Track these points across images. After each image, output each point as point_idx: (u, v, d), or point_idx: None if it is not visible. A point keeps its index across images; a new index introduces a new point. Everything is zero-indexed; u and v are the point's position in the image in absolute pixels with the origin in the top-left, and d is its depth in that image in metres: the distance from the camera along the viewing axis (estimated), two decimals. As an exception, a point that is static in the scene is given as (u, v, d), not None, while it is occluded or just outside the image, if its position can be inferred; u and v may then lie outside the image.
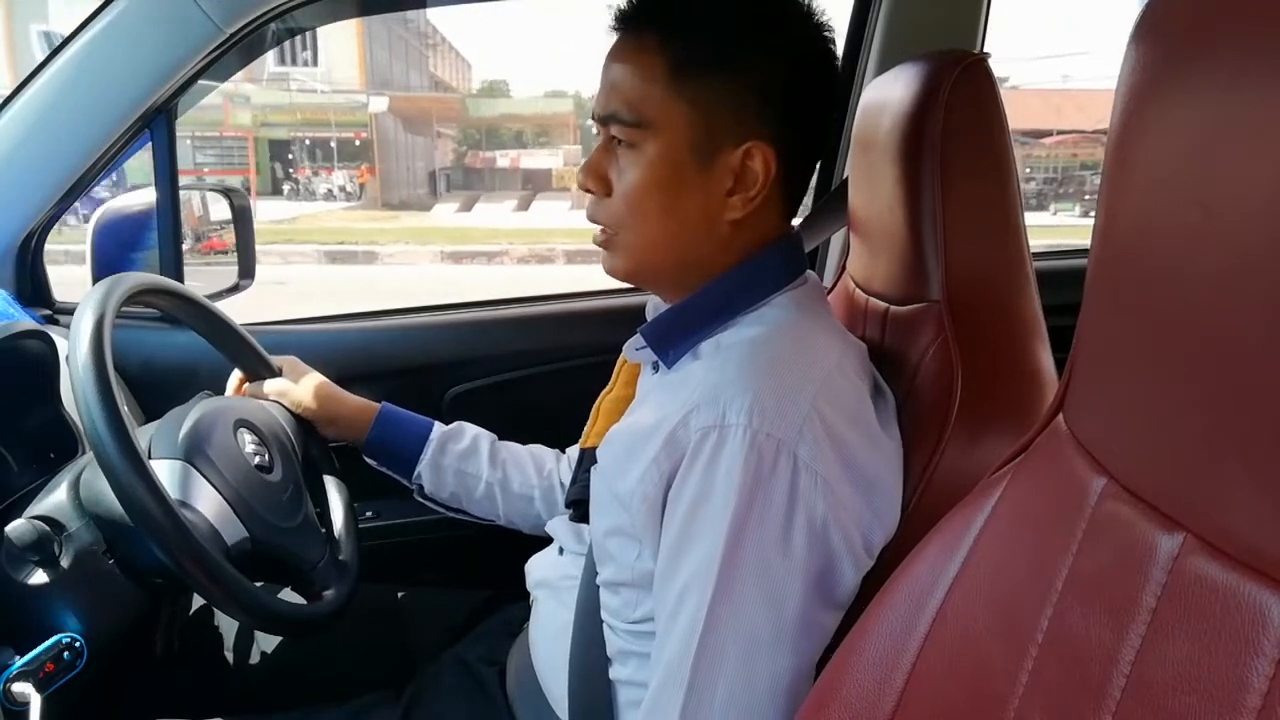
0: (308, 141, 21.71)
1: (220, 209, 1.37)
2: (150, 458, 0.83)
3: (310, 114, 21.78)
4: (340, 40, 22.13)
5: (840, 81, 0.78)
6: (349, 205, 18.90)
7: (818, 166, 1.49)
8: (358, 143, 21.85)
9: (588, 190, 0.79)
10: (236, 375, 1.09)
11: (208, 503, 0.84)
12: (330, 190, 20.65)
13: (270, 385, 1.06)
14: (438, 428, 1.08)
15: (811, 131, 0.77)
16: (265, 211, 14.49)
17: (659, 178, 0.74)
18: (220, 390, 1.08)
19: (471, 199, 20.90)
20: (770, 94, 0.73)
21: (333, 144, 21.61)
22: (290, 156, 21.12)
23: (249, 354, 1.05)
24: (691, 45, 0.72)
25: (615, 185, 0.77)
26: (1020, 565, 0.48)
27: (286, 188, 20.66)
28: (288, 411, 1.05)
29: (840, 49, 1.43)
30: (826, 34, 0.76)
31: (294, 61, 22.20)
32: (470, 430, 1.10)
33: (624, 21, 0.76)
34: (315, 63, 22.35)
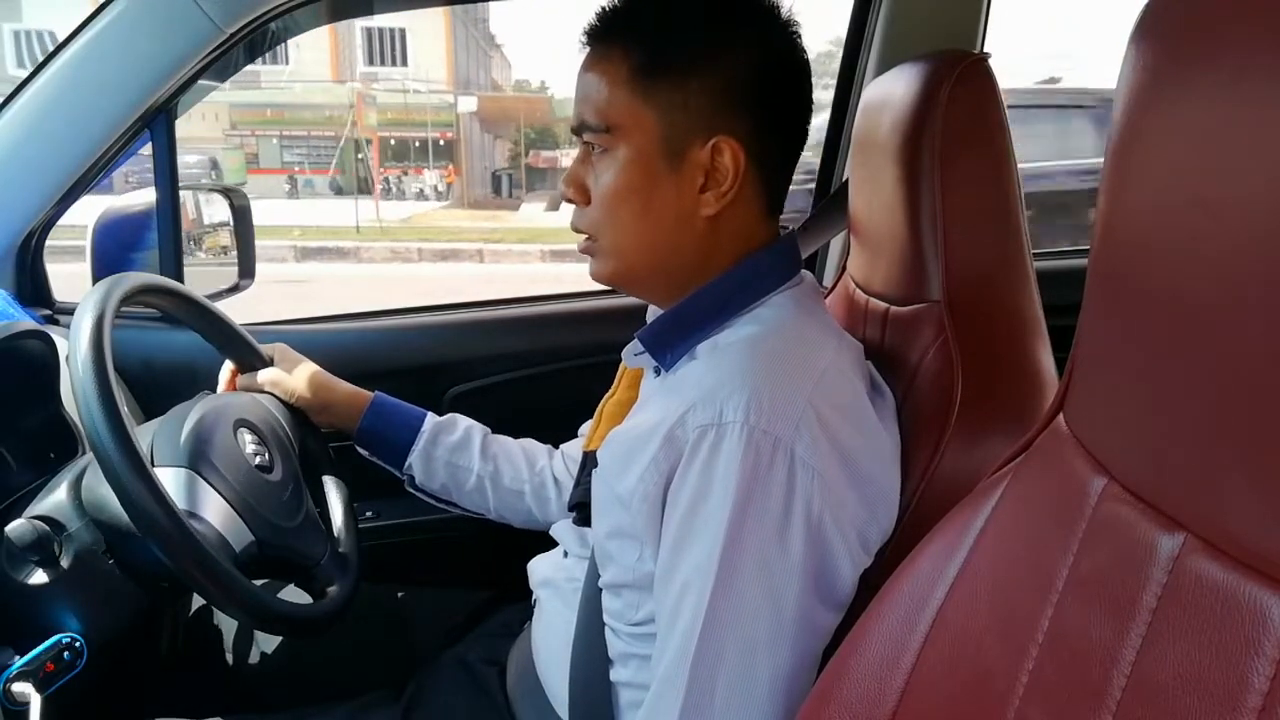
0: (392, 141, 21.57)
1: (220, 209, 1.37)
2: (154, 464, 0.82)
3: (397, 114, 21.59)
4: (427, 39, 22.03)
5: (809, 77, 0.79)
6: (442, 205, 18.79)
7: (818, 168, 1.51)
8: (442, 143, 21.69)
9: (569, 200, 0.80)
10: (228, 367, 1.08)
11: (215, 511, 0.84)
12: (421, 190, 20.50)
13: (264, 375, 1.06)
14: (430, 418, 1.08)
15: (782, 127, 0.78)
16: (369, 210, 14.43)
17: (631, 180, 0.75)
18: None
19: (556, 199, 20.77)
20: (734, 92, 0.74)
21: (416, 144, 21.42)
22: (360, 156, 20.89)
23: (240, 345, 1.05)
24: (653, 49, 0.73)
25: (593, 192, 0.78)
26: (1020, 565, 0.48)
27: (380, 187, 20.51)
28: (281, 403, 1.05)
29: (840, 49, 1.47)
30: (792, 30, 0.77)
31: (383, 61, 22.10)
32: (463, 422, 1.10)
33: (592, 36, 0.77)
34: (405, 62, 22.25)
